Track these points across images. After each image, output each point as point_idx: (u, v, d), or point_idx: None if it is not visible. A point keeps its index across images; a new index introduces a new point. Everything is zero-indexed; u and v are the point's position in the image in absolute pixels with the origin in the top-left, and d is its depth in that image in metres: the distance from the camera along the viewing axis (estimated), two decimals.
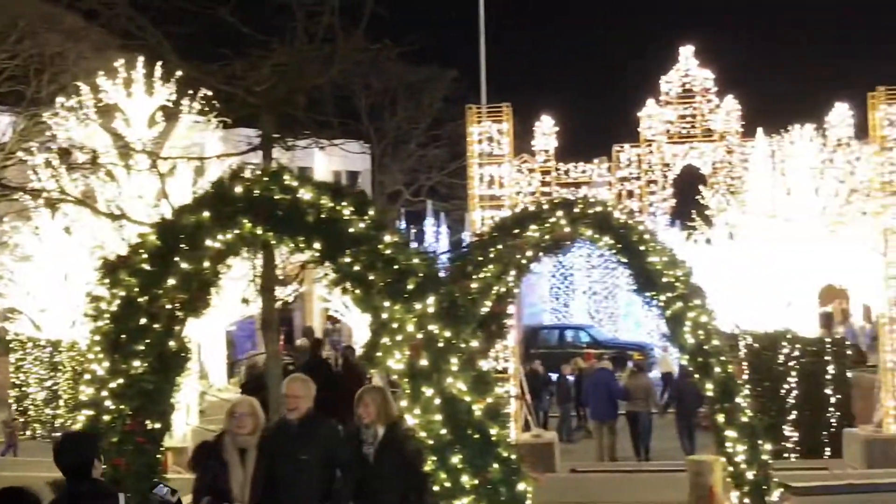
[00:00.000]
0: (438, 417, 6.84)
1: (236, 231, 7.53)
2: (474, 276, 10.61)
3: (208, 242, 7.58)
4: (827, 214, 25.63)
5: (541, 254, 12.75)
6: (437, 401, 6.84)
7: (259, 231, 7.50)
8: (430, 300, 6.98)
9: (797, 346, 22.24)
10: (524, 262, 12.12)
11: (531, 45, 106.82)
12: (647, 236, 11.24)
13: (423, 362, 6.90)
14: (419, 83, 52.33)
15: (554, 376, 28.34)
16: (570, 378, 27.11)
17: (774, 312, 31.87)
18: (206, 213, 7.53)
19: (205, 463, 8.45)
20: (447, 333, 7.01)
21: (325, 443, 8.57)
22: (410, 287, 7.01)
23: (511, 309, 14.35)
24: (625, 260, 11.31)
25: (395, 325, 6.98)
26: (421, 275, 7.09)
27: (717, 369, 10.35)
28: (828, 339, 23.42)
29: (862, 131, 20.29)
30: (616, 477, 17.90)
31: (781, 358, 22.15)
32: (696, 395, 21.14)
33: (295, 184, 7.32)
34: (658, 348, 35.80)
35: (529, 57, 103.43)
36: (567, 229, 11.45)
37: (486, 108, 21.11)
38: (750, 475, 9.99)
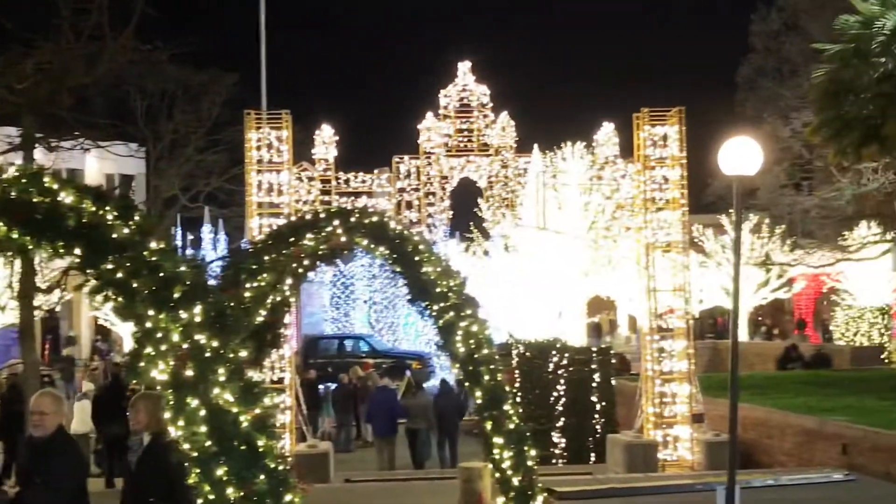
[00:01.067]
0: (203, 429, 6.68)
1: None
2: (248, 285, 10.43)
3: None
4: (595, 229, 26.72)
5: (318, 262, 12.69)
6: (203, 412, 6.68)
7: (15, 235, 7.12)
8: (198, 309, 6.82)
9: (566, 354, 23.09)
10: (300, 270, 12.01)
11: (316, 54, 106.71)
12: (422, 247, 11.38)
13: (189, 372, 6.74)
14: (198, 86, 51.18)
15: (333, 386, 28.40)
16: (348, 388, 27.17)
17: (546, 322, 33.11)
18: None
19: None
20: (215, 343, 6.87)
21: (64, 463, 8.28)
22: (176, 295, 6.83)
23: (288, 318, 14.24)
24: (399, 270, 11.41)
25: (159, 335, 6.78)
26: (188, 283, 6.92)
27: (487, 377, 10.59)
28: (594, 349, 24.43)
29: (627, 150, 21.30)
30: (389, 486, 18.05)
31: (551, 366, 22.96)
32: (455, 409, 22.04)
33: (55, 186, 7.00)
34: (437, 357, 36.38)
35: (314, 66, 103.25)
36: (343, 239, 11.43)
37: (265, 115, 20.87)
38: (515, 481, 10.26)
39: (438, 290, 10.94)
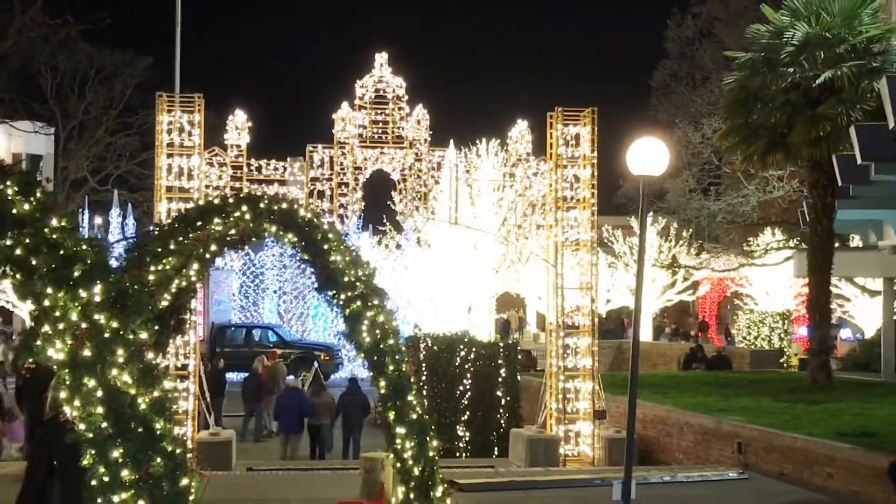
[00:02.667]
0: (100, 410, 6.61)
1: None
2: (152, 268, 10.29)
3: None
4: (507, 226, 26.83)
5: (226, 248, 12.59)
6: (100, 393, 6.61)
7: None
8: (98, 288, 6.74)
9: (473, 349, 23.24)
10: (207, 256, 11.86)
11: (234, 43, 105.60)
12: (331, 235, 11.35)
13: (86, 353, 6.65)
14: (112, 67, 50.41)
15: (233, 375, 28.31)
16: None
17: (455, 317, 33.33)
18: None
19: None
20: (114, 324, 6.80)
21: None
22: (76, 274, 6.74)
23: (194, 305, 14.09)
24: (307, 258, 11.37)
25: (57, 313, 6.68)
26: (89, 262, 6.83)
27: (391, 367, 10.62)
28: (501, 344, 24.64)
29: (540, 148, 21.48)
30: (291, 475, 17.98)
31: (458, 360, 23.09)
32: (360, 407, 22.24)
33: None
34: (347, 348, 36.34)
35: (232, 53, 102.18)
36: (252, 224, 11.35)
37: (178, 98, 20.62)
38: (416, 471, 10.31)
39: (346, 279, 10.93)
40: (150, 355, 7.35)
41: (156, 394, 6.96)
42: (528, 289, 42.97)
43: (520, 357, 24.76)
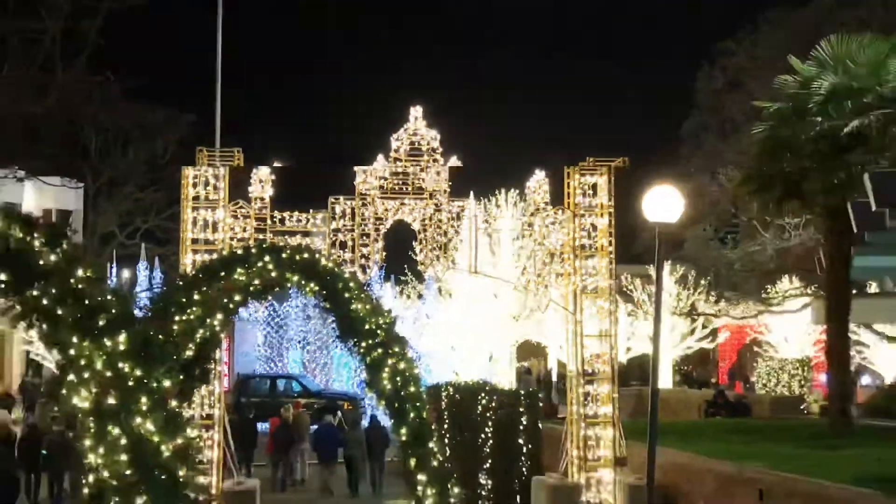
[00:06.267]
0: (124, 458, 6.59)
1: None
2: (176, 318, 10.32)
3: None
4: (527, 274, 26.67)
5: (249, 298, 12.63)
6: (124, 441, 6.60)
7: None
8: (122, 337, 6.77)
9: (494, 397, 23.09)
10: (231, 306, 11.91)
11: (263, 100, 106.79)
12: (352, 284, 11.36)
13: (111, 401, 6.65)
14: (152, 126, 50.23)
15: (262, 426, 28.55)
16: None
17: (477, 365, 33.19)
18: None
19: None
20: (138, 372, 6.81)
21: None
22: (101, 324, 6.77)
23: (219, 355, 14.12)
24: (329, 306, 11.38)
25: (83, 362, 6.70)
26: (113, 312, 6.86)
27: (412, 415, 10.58)
28: (522, 392, 24.49)
29: (558, 198, 21.49)
30: None
31: (479, 409, 22.92)
32: (382, 440, 24.43)
33: None
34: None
35: (269, 110, 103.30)
36: (274, 274, 11.38)
37: (219, 152, 20.82)
38: None
39: (367, 327, 10.93)
40: (174, 403, 7.34)
41: (179, 442, 6.95)
42: (549, 338, 42.81)
43: (541, 405, 24.63)
